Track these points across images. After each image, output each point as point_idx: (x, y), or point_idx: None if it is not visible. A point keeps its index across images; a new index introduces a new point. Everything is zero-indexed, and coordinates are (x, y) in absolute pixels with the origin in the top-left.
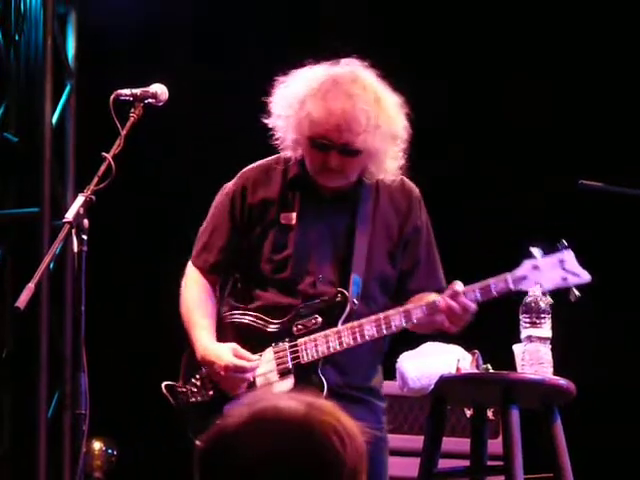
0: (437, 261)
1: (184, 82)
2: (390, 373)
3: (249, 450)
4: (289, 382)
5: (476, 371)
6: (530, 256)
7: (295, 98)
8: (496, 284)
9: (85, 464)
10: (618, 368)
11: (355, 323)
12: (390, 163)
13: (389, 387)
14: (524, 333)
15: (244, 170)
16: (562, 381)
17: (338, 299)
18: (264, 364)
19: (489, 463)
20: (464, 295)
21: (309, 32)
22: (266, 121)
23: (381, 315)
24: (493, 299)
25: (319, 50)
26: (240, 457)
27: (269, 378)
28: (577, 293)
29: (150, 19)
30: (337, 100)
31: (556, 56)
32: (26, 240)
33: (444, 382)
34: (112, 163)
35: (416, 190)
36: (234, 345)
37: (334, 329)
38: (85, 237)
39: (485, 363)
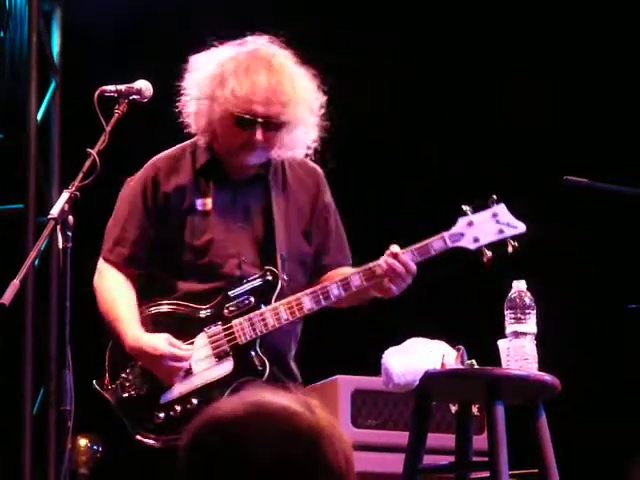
0: (344, 237)
1: (168, 78)
2: (375, 369)
3: (258, 445)
4: (228, 364)
5: (461, 367)
6: (463, 214)
7: (212, 77)
8: (434, 243)
9: (70, 460)
10: (602, 363)
11: (291, 298)
12: (305, 137)
13: (374, 383)
14: (509, 329)
15: (152, 160)
16: (547, 377)
17: (269, 277)
18: (198, 350)
19: (474, 459)
20: (403, 255)
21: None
22: (178, 106)
23: (317, 287)
24: (431, 258)
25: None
26: (247, 451)
27: (206, 363)
28: (514, 244)
29: (134, 16)
30: (259, 74)
31: (556, 56)
32: (11, 236)
33: (429, 378)
34: (97, 159)
35: (319, 169)
36: (167, 335)
37: (269, 307)
38: (70, 233)
39: (470, 359)
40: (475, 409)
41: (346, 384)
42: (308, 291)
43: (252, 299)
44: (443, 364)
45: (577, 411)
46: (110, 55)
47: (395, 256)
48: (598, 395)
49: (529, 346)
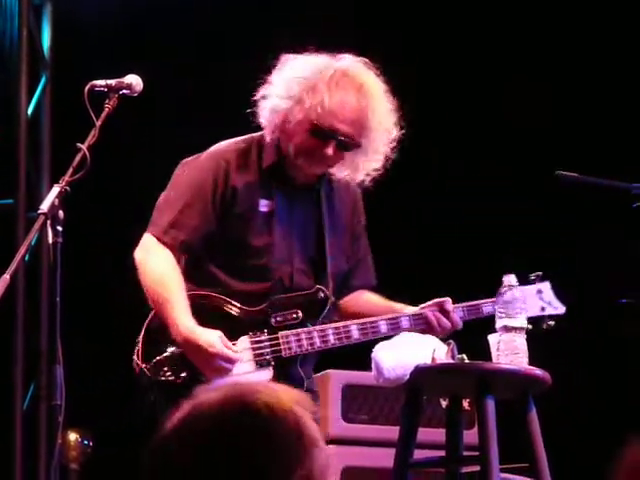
0: (371, 259)
1: (159, 72)
2: (365, 364)
3: (177, 446)
4: (267, 374)
5: (451, 361)
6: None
7: (302, 81)
8: (485, 306)
9: (61, 455)
10: (593, 358)
11: (340, 324)
12: (369, 164)
13: (365, 378)
14: (499, 323)
15: (220, 150)
16: (537, 371)
17: (320, 296)
18: (240, 352)
19: (465, 453)
20: (453, 312)
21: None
22: (259, 97)
23: (367, 320)
24: (476, 319)
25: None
26: (171, 457)
27: (246, 367)
28: (551, 323)
29: (125, 10)
30: (349, 93)
31: (556, 56)
32: (1, 231)
33: (419, 372)
34: (87, 154)
35: (359, 190)
36: (220, 333)
37: (317, 327)
38: (60, 228)
39: (460, 353)
40: (466, 403)
41: (337, 378)
42: (358, 322)
43: (300, 314)
44: (433, 358)
45: (568, 405)
46: (101, 50)
47: (446, 313)
48: (589, 389)
49: (519, 340)
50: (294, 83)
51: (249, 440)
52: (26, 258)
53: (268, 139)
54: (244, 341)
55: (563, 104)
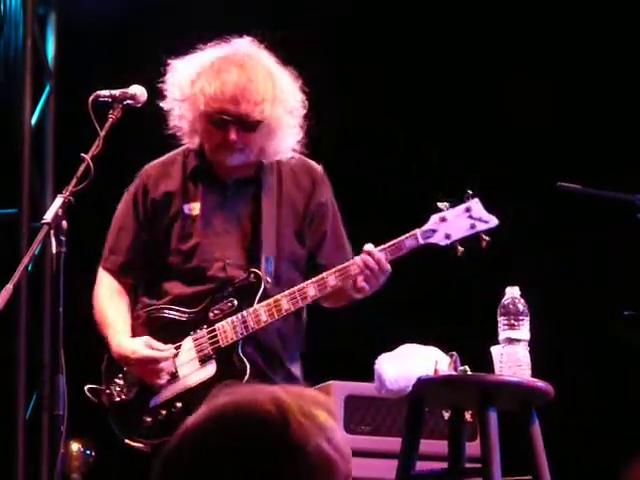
0: (343, 235)
1: (163, 83)
2: (368, 375)
3: (211, 446)
4: (211, 367)
5: (454, 373)
6: (438, 210)
7: (188, 79)
8: (406, 240)
9: (63, 465)
10: (596, 370)
11: (270, 300)
12: (288, 139)
13: (367, 389)
14: (502, 335)
15: (143, 169)
16: (540, 383)
17: (251, 279)
18: (184, 353)
19: (467, 465)
20: (377, 254)
21: None
22: (163, 106)
23: (295, 288)
24: (404, 256)
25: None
26: (202, 455)
27: (190, 367)
28: (487, 238)
29: (129, 20)
30: (230, 72)
31: (556, 56)
32: (4, 241)
33: (422, 384)
34: (91, 164)
35: (318, 167)
36: (146, 338)
37: (250, 309)
38: (64, 238)
39: (463, 365)
40: (468, 415)
41: (339, 389)
42: (286, 292)
43: (235, 302)
44: (436, 370)
45: (571, 418)
46: (105, 59)
47: (369, 254)
48: (592, 401)
49: (522, 352)
50: (183, 84)
51: (250, 450)
52: (29, 268)
53: (190, 146)
54: (188, 341)
55: (566, 106)
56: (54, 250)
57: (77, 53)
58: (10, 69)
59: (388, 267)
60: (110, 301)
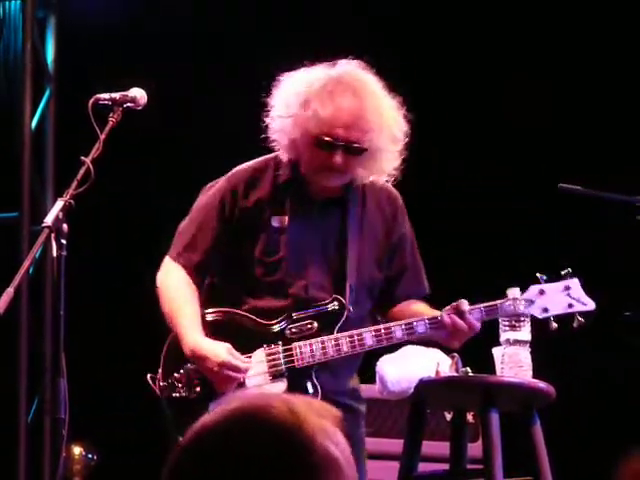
0: (421, 267)
1: (163, 86)
2: (370, 376)
3: (224, 450)
4: (281, 385)
5: (455, 374)
6: (536, 281)
7: (297, 97)
8: (504, 305)
9: (65, 469)
10: (598, 371)
11: (354, 332)
12: (386, 165)
13: (369, 390)
14: (503, 336)
15: (234, 171)
16: (541, 384)
17: (335, 306)
18: (255, 365)
19: (469, 466)
20: (470, 313)
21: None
22: (266, 121)
23: (382, 326)
24: (495, 319)
25: (307, 53)
26: (214, 458)
27: (260, 380)
28: (581, 320)
29: (129, 23)
30: (344, 98)
31: (557, 56)
32: (5, 245)
33: (424, 385)
34: (91, 167)
35: (399, 197)
36: (228, 344)
37: (331, 336)
38: (64, 242)
39: (464, 366)
40: (470, 416)
41: None
42: (372, 328)
43: (315, 324)
44: (438, 372)
45: (572, 419)
46: (105, 63)
47: (462, 315)
48: (593, 402)
49: (523, 354)
50: (291, 101)
51: (259, 458)
52: (30, 271)
53: (284, 158)
54: (259, 354)
55: (567, 107)
56: (55, 253)
57: (77, 56)
58: (10, 73)
59: (478, 328)
60: (185, 294)
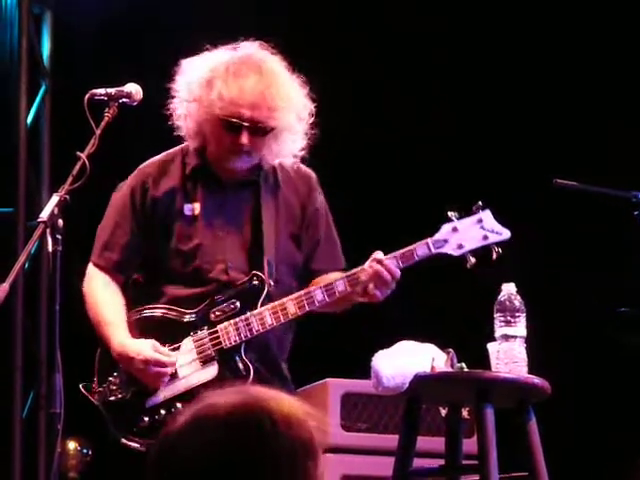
0: (337, 242)
1: (159, 81)
2: (365, 372)
3: (186, 450)
4: (213, 369)
5: (451, 370)
6: (448, 220)
7: (200, 81)
8: (417, 249)
9: (60, 464)
10: (592, 367)
11: (276, 303)
12: (292, 145)
13: (364, 386)
14: (498, 332)
15: (141, 166)
16: (537, 380)
17: (255, 282)
18: (184, 354)
19: (464, 462)
20: (387, 261)
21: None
22: (170, 107)
23: (302, 292)
24: (415, 264)
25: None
26: (179, 458)
27: (192, 367)
28: (498, 250)
29: (125, 19)
30: (248, 78)
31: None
32: (1, 240)
33: (419, 381)
34: (86, 163)
35: (313, 174)
36: (152, 340)
37: (255, 311)
38: (60, 237)
39: (460, 362)
40: (465, 412)
41: (336, 387)
42: (292, 296)
43: (238, 304)
44: (433, 367)
45: (567, 414)
46: (100, 58)
47: (379, 262)
48: (588, 398)
49: (518, 349)
50: (195, 84)
51: (263, 449)
52: (26, 266)
53: (191, 146)
54: (188, 342)
55: (563, 102)
56: (50, 248)
57: (72, 52)
58: (5, 68)
59: (398, 274)
60: (107, 298)
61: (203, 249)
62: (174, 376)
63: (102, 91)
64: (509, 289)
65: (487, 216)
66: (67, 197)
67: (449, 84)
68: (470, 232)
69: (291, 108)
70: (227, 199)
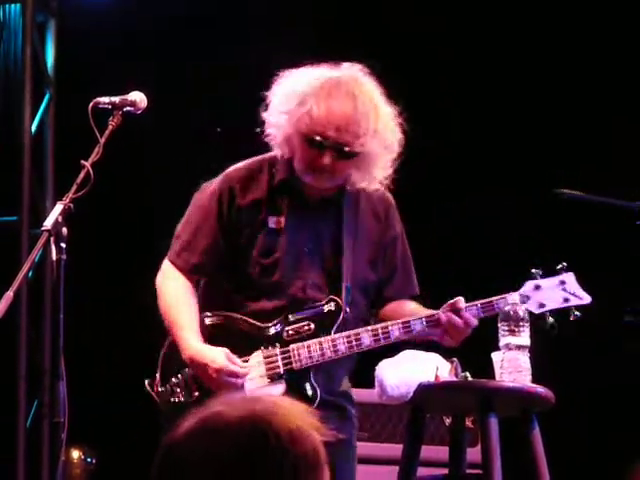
0: (412, 268)
1: (163, 89)
2: (369, 381)
3: (190, 456)
4: (280, 387)
5: (455, 379)
6: (532, 277)
7: (295, 94)
8: (500, 302)
9: (64, 473)
10: (597, 376)
11: (351, 332)
12: (378, 172)
13: (368, 395)
14: (503, 341)
15: (230, 170)
16: (540, 389)
17: (332, 307)
18: (253, 368)
19: (468, 471)
20: (466, 310)
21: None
22: (263, 115)
23: (379, 326)
24: (493, 316)
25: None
26: (182, 465)
27: (258, 382)
28: (577, 313)
29: (129, 28)
30: (339, 100)
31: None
32: (5, 248)
33: (423, 390)
34: (91, 171)
35: (392, 199)
36: (227, 350)
37: (328, 337)
38: (64, 245)
39: (464, 371)
40: (469, 421)
41: None
42: (369, 328)
43: (312, 326)
44: (437, 376)
45: (571, 424)
46: (104, 67)
47: (457, 313)
48: (593, 408)
49: (523, 359)
50: (289, 97)
51: (266, 464)
52: (29, 275)
53: (279, 156)
54: (257, 356)
55: (567, 112)
56: (54, 257)
57: (76, 61)
58: (10, 77)
59: (475, 325)
60: (181, 298)
61: (283, 263)
62: (240, 388)
63: (106, 99)
64: (513, 299)
65: (570, 278)
66: (71, 205)
67: (453, 81)
68: (552, 292)
69: (379, 136)
70: (310, 216)
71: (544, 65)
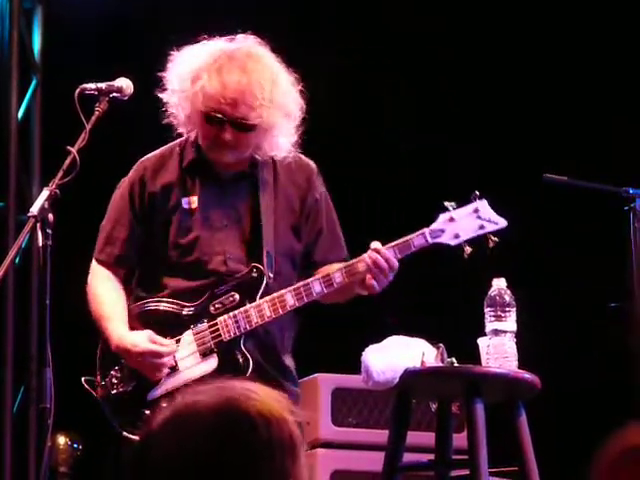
0: (339, 232)
1: (150, 76)
2: (355, 367)
3: (166, 448)
4: (213, 361)
5: (441, 365)
6: (445, 210)
7: (189, 73)
8: (414, 239)
9: (50, 458)
10: (582, 361)
11: (275, 295)
12: (283, 140)
13: (354, 381)
14: (489, 326)
15: (140, 161)
16: (526, 375)
17: (254, 274)
18: (185, 347)
19: (454, 457)
20: (385, 251)
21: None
22: (160, 96)
23: (300, 284)
24: (412, 254)
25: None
26: (157, 456)
27: (192, 360)
28: (495, 239)
29: (116, 13)
30: (232, 74)
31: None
32: None
33: (409, 376)
34: (77, 157)
35: (312, 164)
36: (149, 332)
37: (254, 303)
38: (50, 231)
39: (450, 357)
40: (455, 407)
41: (326, 382)
42: (291, 288)
43: (237, 296)
44: (423, 362)
45: (557, 409)
46: (91, 53)
47: (377, 252)
48: (578, 393)
49: (509, 344)
50: (184, 76)
51: (241, 451)
52: (16, 261)
53: (187, 138)
54: (188, 335)
55: (555, 98)
56: (40, 243)
57: (63, 47)
58: None
59: (396, 264)
60: (107, 293)
61: (201, 241)
62: (175, 369)
63: (92, 86)
64: (499, 284)
65: (483, 205)
66: (57, 191)
67: (453, 79)
68: (466, 222)
69: (277, 105)
70: (225, 192)
71: (544, 65)
